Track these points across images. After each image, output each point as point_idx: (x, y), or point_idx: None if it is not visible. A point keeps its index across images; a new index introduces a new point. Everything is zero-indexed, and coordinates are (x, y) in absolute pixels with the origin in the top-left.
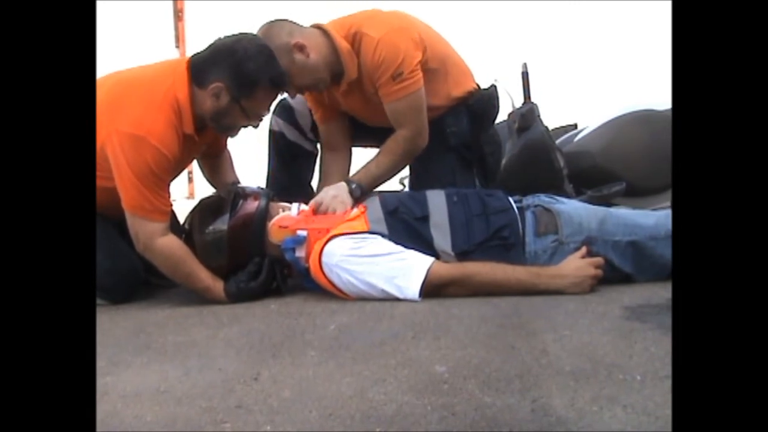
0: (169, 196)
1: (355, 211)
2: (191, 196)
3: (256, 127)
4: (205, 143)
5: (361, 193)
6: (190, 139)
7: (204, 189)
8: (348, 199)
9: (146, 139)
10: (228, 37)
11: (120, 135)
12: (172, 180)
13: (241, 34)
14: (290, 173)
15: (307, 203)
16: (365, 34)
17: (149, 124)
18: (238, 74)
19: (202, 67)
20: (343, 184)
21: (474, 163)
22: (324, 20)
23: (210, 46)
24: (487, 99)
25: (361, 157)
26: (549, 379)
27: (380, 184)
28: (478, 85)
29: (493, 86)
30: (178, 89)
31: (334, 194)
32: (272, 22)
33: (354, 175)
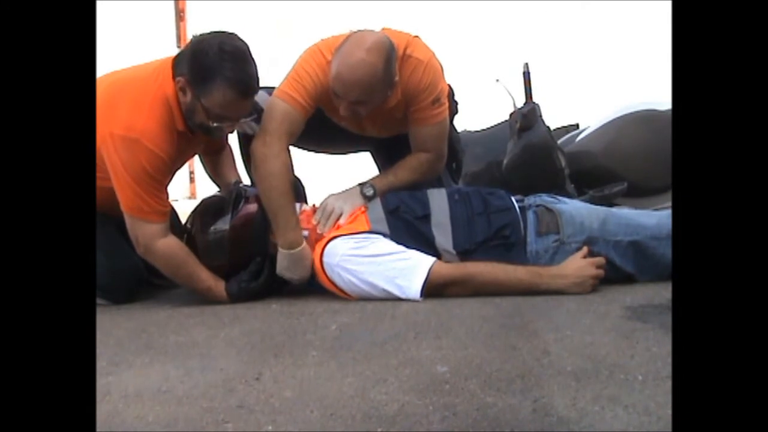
0: (167, 197)
1: (356, 211)
2: (193, 196)
3: (230, 132)
4: (203, 140)
5: (373, 193)
6: (185, 136)
7: (206, 189)
8: (358, 202)
9: (140, 142)
10: (203, 34)
11: (114, 138)
12: (171, 178)
13: (217, 31)
14: None
15: (307, 203)
16: (411, 56)
17: (142, 126)
18: (195, 69)
19: (175, 63)
20: (356, 189)
21: (451, 159)
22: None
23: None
24: (453, 95)
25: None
26: (550, 379)
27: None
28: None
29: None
30: (167, 86)
31: (342, 203)
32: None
33: (371, 179)
